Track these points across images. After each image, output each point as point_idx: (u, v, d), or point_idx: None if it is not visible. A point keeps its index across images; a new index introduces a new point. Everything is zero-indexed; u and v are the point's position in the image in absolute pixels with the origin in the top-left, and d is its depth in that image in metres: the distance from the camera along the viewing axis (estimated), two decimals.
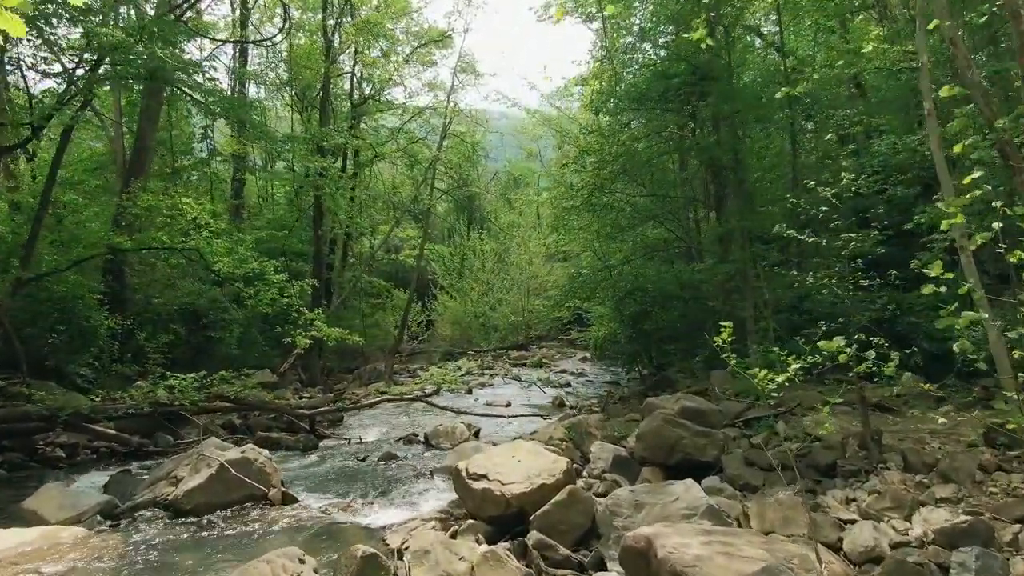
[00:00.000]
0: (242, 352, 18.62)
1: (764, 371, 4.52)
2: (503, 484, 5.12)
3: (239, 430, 11.88)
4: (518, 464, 5.37)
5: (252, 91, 25.64)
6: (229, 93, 19.16)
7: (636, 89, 11.87)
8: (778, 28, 14.43)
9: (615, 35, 12.10)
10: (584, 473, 7.79)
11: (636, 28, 11.39)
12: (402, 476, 8.59)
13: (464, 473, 5.46)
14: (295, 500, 6.44)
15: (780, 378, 4.46)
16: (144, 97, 15.52)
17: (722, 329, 4.65)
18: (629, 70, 11.80)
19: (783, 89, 7.33)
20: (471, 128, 28.41)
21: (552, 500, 4.89)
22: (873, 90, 14.93)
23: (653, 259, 15.97)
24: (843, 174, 6.60)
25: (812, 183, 6.70)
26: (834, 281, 6.58)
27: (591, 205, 13.67)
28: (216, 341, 15.75)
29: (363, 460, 9.90)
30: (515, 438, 10.18)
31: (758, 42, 15.84)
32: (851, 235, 6.43)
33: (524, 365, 25.75)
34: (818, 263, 13.92)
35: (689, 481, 4.99)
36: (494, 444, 9.30)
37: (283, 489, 6.46)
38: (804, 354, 4.82)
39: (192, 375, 10.39)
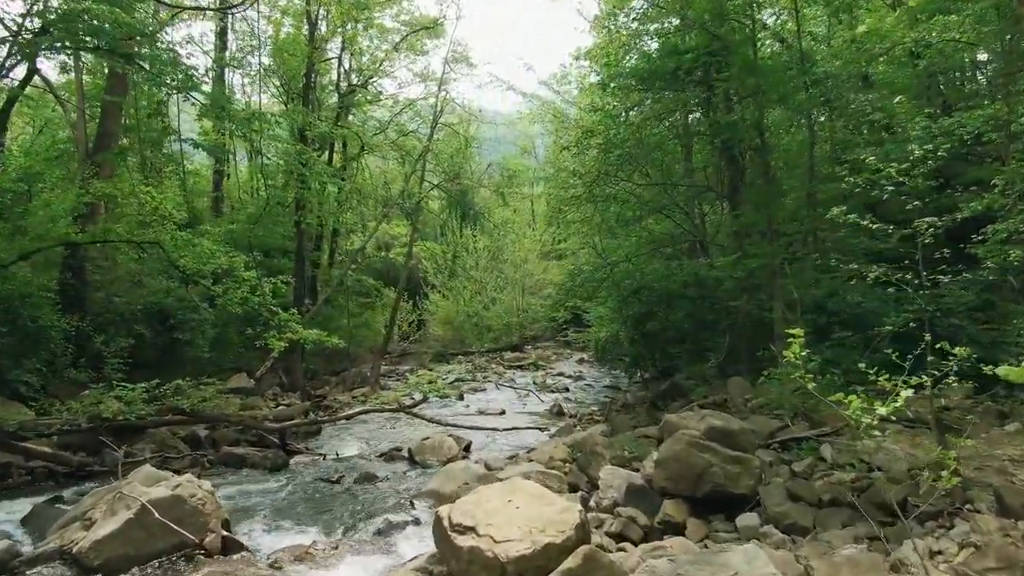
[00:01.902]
0: (217, 355, 17.31)
1: (852, 397, 3.30)
2: (496, 542, 3.90)
3: (203, 444, 10.62)
4: (516, 512, 4.16)
5: (236, 81, 24.46)
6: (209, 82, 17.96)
7: (645, 66, 10.66)
8: (783, 19, 13.32)
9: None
10: (592, 503, 6.61)
11: None
12: (379, 505, 7.37)
13: (447, 523, 4.25)
14: (239, 547, 5.21)
15: (883, 409, 3.25)
16: (108, 80, 14.28)
17: (790, 340, 3.43)
18: (637, 42, 10.59)
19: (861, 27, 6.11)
20: (464, 120, 27.25)
21: (562, 567, 3.68)
22: (883, 83, 13.83)
23: (656, 255, 14.81)
24: (912, 146, 5.41)
25: (871, 159, 5.50)
26: (908, 276, 5.35)
27: (593, 196, 12.46)
28: (185, 344, 14.45)
29: (336, 481, 8.69)
30: (511, 456, 8.99)
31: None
32: (929, 219, 5.22)
33: (519, 367, 24.57)
34: (837, 259, 12.84)
35: (752, 548, 3.79)
36: (487, 466, 8.12)
37: (224, 533, 5.23)
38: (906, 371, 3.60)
39: (143, 384, 9.14)
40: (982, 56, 16.28)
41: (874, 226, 5.46)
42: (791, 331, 3.67)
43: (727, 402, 9.62)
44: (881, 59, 12.92)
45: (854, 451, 6.02)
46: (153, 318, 14.31)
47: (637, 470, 7.32)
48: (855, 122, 12.93)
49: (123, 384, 9.19)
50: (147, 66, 8.65)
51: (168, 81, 8.71)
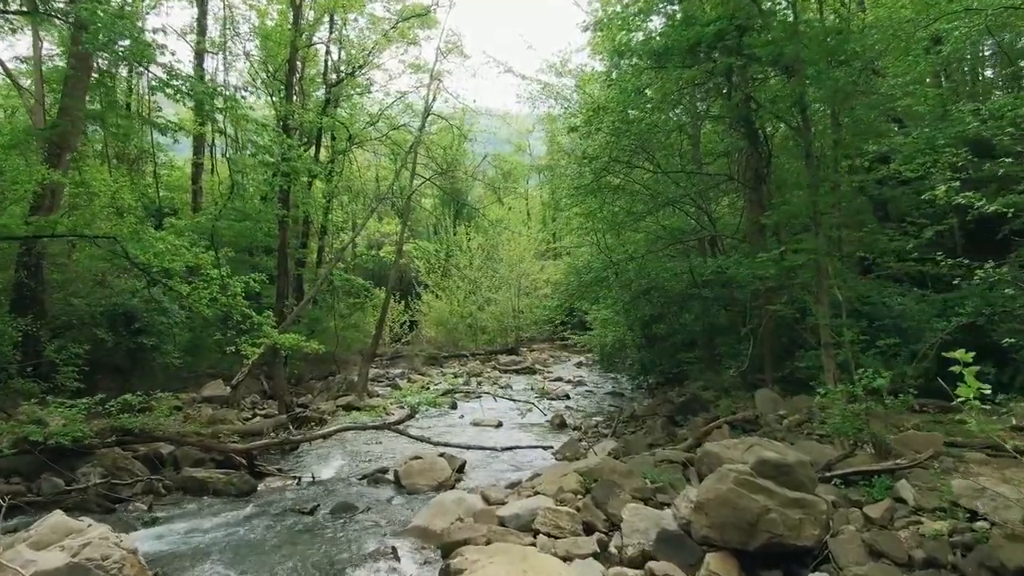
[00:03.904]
0: (192, 360, 16.09)
1: None
2: None
3: (164, 463, 9.37)
4: None
5: (216, 67, 23.13)
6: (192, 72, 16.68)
7: (658, 42, 9.47)
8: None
9: None
10: (612, 549, 5.44)
11: None
12: (355, 548, 6.17)
13: None
14: None
15: None
16: (69, 62, 13.00)
17: (963, 369, 2.24)
18: (656, 7, 9.36)
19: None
20: (458, 112, 26.14)
21: None
22: (895, 72, 12.77)
23: (665, 253, 13.64)
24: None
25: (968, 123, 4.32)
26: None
27: (600, 186, 11.27)
28: (151, 349, 13.17)
29: (309, 513, 7.48)
30: (512, 484, 7.77)
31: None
32: None
33: (515, 371, 23.41)
34: (863, 257, 11.71)
35: None
36: (485, 499, 6.89)
37: None
38: None
39: (85, 400, 7.89)
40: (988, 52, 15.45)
41: (989, 206, 4.29)
42: (957, 355, 2.51)
43: (758, 419, 8.44)
44: (894, 46, 11.87)
45: (945, 491, 4.85)
46: (117, 321, 13.05)
47: (664, 504, 6.16)
48: (875, 111, 11.88)
49: (60, 401, 7.92)
50: (89, 28, 7.37)
51: (105, 41, 7.39)
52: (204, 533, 6.84)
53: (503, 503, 6.60)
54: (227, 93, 10.36)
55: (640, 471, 7.00)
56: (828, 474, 5.68)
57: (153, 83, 9.66)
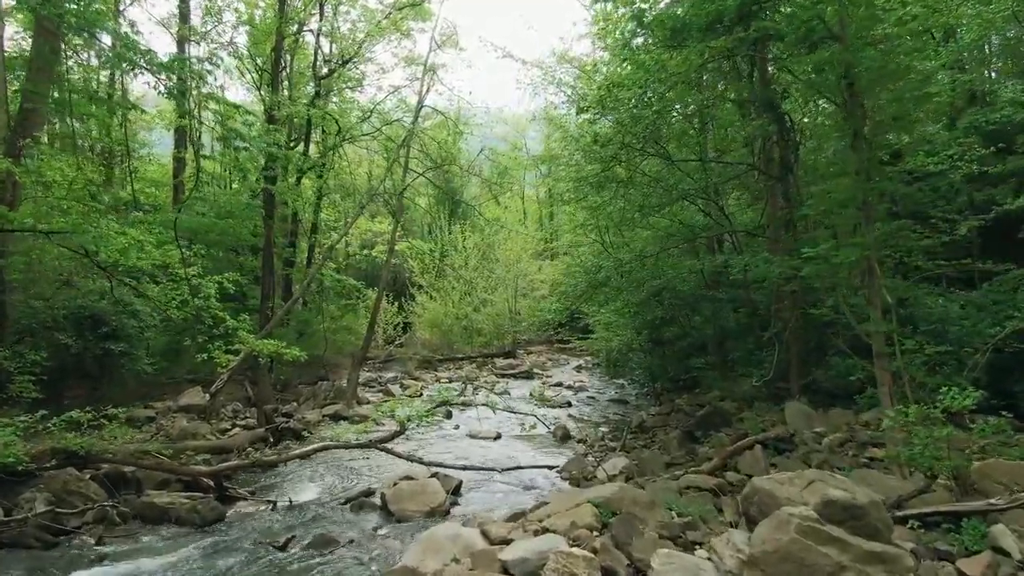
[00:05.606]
0: (170, 365, 15.10)
1: None
2: None
3: (124, 484, 8.36)
4: None
5: (201, 56, 22.04)
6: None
7: (672, 19, 8.51)
8: None
9: None
10: None
11: None
12: None
13: None
14: None
15: None
16: (34, 44, 11.98)
17: None
18: None
19: None
20: (453, 106, 25.19)
21: None
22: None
23: (674, 251, 12.70)
24: None
25: None
26: None
27: (608, 179, 10.31)
28: (120, 355, 12.14)
29: (282, 548, 6.49)
30: (515, 515, 6.76)
31: None
32: None
33: (513, 376, 22.44)
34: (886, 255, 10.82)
35: None
36: (485, 535, 5.87)
37: None
38: None
39: (23, 418, 6.87)
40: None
41: None
42: None
43: (792, 437, 7.47)
44: (932, 21, 11.02)
45: None
46: (83, 325, 12.02)
47: (695, 543, 5.20)
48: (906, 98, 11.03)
49: None
50: None
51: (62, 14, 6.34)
52: (157, 573, 5.86)
53: (506, 541, 5.61)
54: (195, 67, 9.26)
55: (663, 500, 6.03)
56: (900, 513, 4.71)
57: (108, 55, 8.55)
